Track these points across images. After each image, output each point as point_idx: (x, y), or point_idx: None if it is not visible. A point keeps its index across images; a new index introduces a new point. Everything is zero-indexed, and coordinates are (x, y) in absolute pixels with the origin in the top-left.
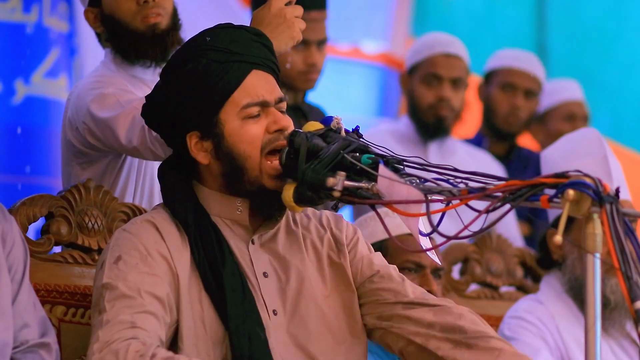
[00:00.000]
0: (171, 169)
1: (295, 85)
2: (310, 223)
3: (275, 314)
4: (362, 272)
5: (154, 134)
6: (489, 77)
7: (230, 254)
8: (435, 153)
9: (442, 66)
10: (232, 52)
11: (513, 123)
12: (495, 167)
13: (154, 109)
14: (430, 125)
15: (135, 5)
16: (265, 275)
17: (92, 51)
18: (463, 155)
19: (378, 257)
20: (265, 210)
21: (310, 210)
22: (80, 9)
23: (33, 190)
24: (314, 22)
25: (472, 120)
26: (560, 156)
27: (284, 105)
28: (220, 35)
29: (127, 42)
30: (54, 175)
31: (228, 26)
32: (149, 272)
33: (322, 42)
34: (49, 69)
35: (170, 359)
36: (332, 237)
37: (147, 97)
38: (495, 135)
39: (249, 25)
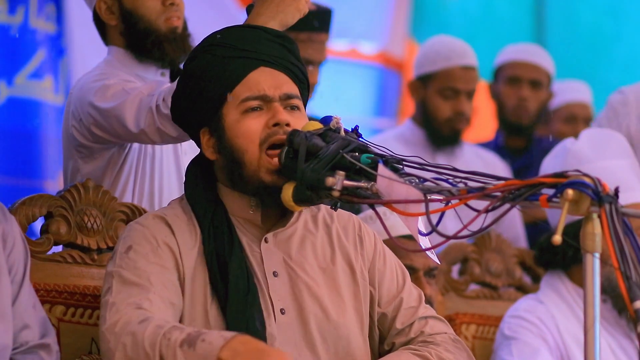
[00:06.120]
0: (197, 164)
1: None
2: (332, 225)
3: (283, 313)
4: (387, 299)
5: (163, 111)
6: (496, 74)
7: (240, 249)
8: (441, 158)
9: (461, 80)
10: (238, 48)
11: (523, 115)
12: (499, 167)
13: (173, 106)
14: (446, 137)
15: (161, 6)
16: (275, 274)
17: (80, 52)
18: (470, 157)
19: (410, 289)
20: (274, 207)
21: (342, 213)
22: (69, 9)
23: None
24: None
25: (488, 122)
26: (591, 151)
27: (293, 102)
28: (232, 32)
29: (149, 41)
30: (38, 177)
31: (245, 25)
32: (158, 262)
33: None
34: (33, 71)
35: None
36: (355, 243)
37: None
38: (509, 129)
39: (252, 4)
